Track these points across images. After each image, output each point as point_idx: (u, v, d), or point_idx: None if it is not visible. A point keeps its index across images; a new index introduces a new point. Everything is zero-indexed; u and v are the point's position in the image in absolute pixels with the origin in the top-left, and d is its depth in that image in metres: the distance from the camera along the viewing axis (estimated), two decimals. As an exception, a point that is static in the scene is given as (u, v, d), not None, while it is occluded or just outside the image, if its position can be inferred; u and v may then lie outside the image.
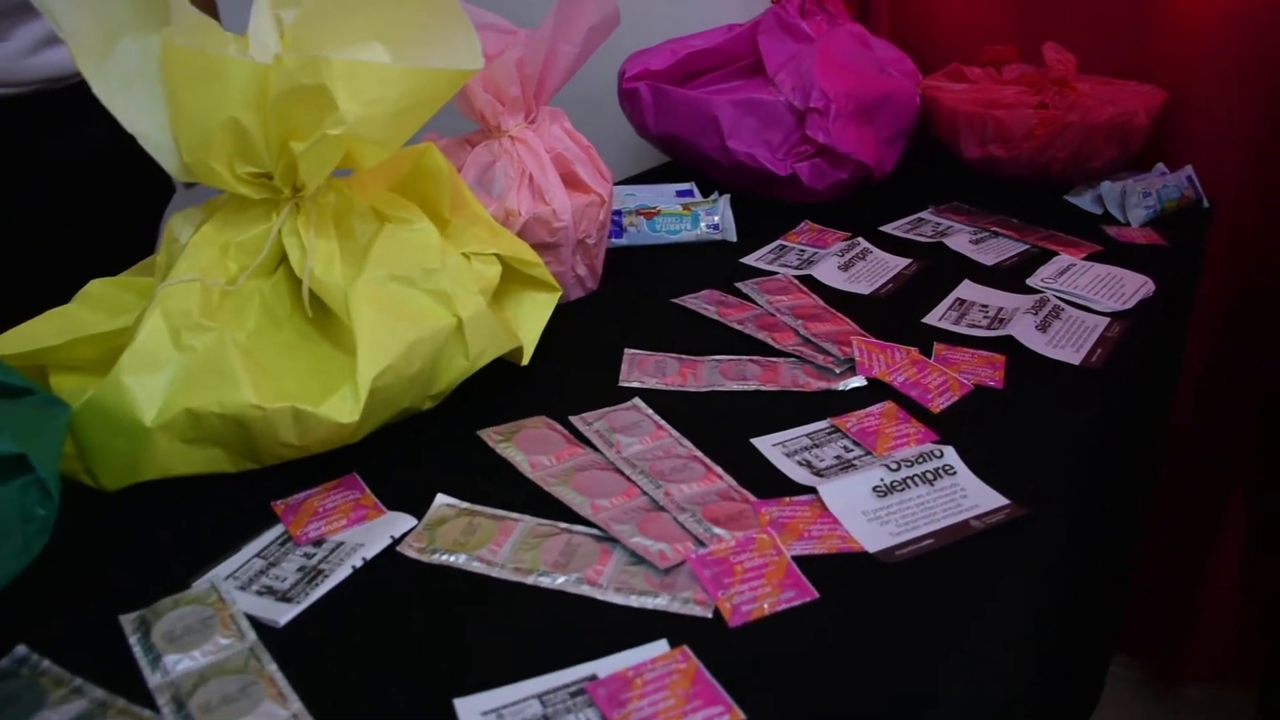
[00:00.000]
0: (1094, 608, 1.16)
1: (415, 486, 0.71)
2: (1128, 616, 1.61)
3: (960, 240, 1.12)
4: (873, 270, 1.05)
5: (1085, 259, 1.08)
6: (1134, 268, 1.06)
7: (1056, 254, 1.09)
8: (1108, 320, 0.95)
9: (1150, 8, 1.30)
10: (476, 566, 0.64)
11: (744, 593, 0.60)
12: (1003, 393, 0.83)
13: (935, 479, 0.70)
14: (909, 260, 1.08)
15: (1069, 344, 0.90)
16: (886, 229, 1.17)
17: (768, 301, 0.96)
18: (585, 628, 0.59)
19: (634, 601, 0.61)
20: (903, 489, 0.69)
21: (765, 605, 0.60)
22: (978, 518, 0.67)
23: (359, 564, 0.65)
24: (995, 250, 1.10)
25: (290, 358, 0.76)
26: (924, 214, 1.22)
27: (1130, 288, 1.01)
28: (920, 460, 0.72)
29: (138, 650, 0.58)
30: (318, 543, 0.67)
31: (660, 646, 0.57)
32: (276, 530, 0.68)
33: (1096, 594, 1.11)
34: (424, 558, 0.65)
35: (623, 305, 0.99)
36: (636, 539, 0.65)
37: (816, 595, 0.61)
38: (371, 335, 0.72)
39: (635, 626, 0.59)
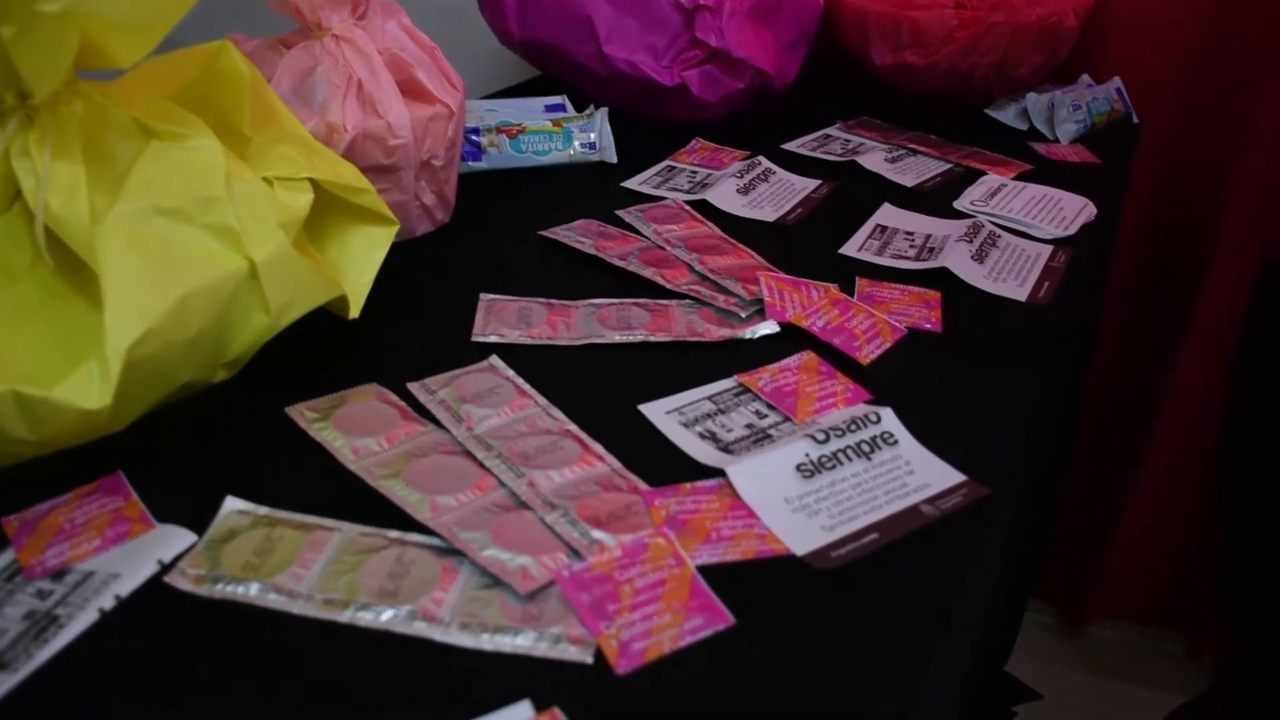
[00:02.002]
0: (1029, 567, 1.05)
1: (199, 487, 0.54)
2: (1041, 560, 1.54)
3: (875, 159, 0.97)
4: (777, 193, 0.90)
5: (1016, 179, 0.95)
6: (1068, 188, 0.93)
7: (984, 173, 0.95)
8: (1050, 248, 0.81)
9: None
10: (273, 600, 0.47)
11: (635, 624, 0.45)
12: (941, 336, 0.69)
13: (873, 451, 0.56)
14: (818, 181, 0.93)
15: (1011, 276, 0.76)
16: (790, 147, 1.02)
17: (655, 232, 0.80)
18: (420, 684, 0.43)
19: (486, 643, 0.45)
20: (833, 466, 0.55)
21: (665, 640, 0.44)
22: (929, 500, 0.53)
23: (110, 605, 0.47)
24: (915, 170, 0.96)
25: (29, 323, 0.57)
26: (831, 130, 1.07)
27: (1070, 211, 0.88)
28: (853, 427, 0.57)
29: None
30: (58, 575, 0.49)
31: (522, 711, 0.41)
32: (4, 559, 0.50)
33: (1033, 554, 1.00)
34: (202, 590, 0.48)
35: (480, 241, 0.82)
36: (489, 551, 0.48)
37: (733, 621, 0.46)
38: (126, 288, 0.53)
39: (489, 679, 0.43)
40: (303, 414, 0.59)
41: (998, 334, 0.69)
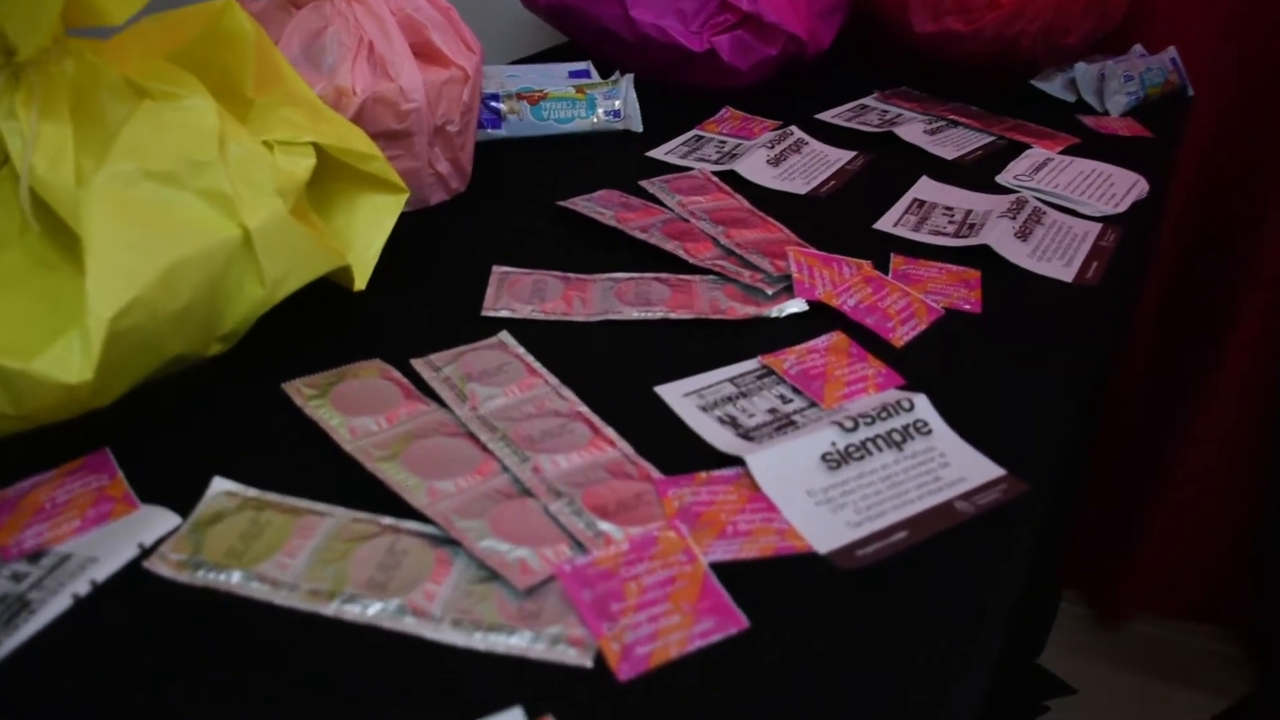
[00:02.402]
0: (1060, 560, 1.01)
1: (188, 466, 0.51)
2: (1075, 548, 1.49)
3: (913, 130, 0.93)
4: (809, 165, 0.86)
5: (1062, 153, 0.90)
6: (1118, 163, 0.88)
7: (1029, 147, 0.90)
8: (1099, 226, 0.77)
9: None
10: (256, 589, 0.44)
11: (640, 625, 0.41)
12: (981, 318, 0.65)
13: (904, 440, 0.52)
14: (853, 153, 0.89)
15: (1057, 255, 0.72)
16: (824, 117, 0.97)
17: (679, 203, 0.76)
18: (406, 684, 0.40)
19: (479, 642, 0.41)
20: (861, 456, 0.51)
21: (672, 644, 0.41)
22: (964, 496, 0.49)
23: (85, 590, 0.44)
24: (955, 142, 0.91)
25: (16, 292, 0.54)
26: (868, 100, 1.02)
27: (1121, 187, 0.83)
28: (884, 415, 0.53)
29: None
30: (35, 557, 0.46)
31: (514, 719, 0.38)
32: (-18, 537, 0.47)
33: (1059, 544, 0.95)
34: (182, 577, 0.45)
35: (496, 211, 0.78)
36: (487, 542, 0.45)
37: (746, 625, 0.42)
38: (110, 256, 0.50)
39: (480, 681, 0.40)
40: (299, 390, 0.56)
41: (1042, 316, 0.65)
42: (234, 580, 0.44)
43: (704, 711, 0.38)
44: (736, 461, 0.50)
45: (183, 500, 0.49)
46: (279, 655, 0.41)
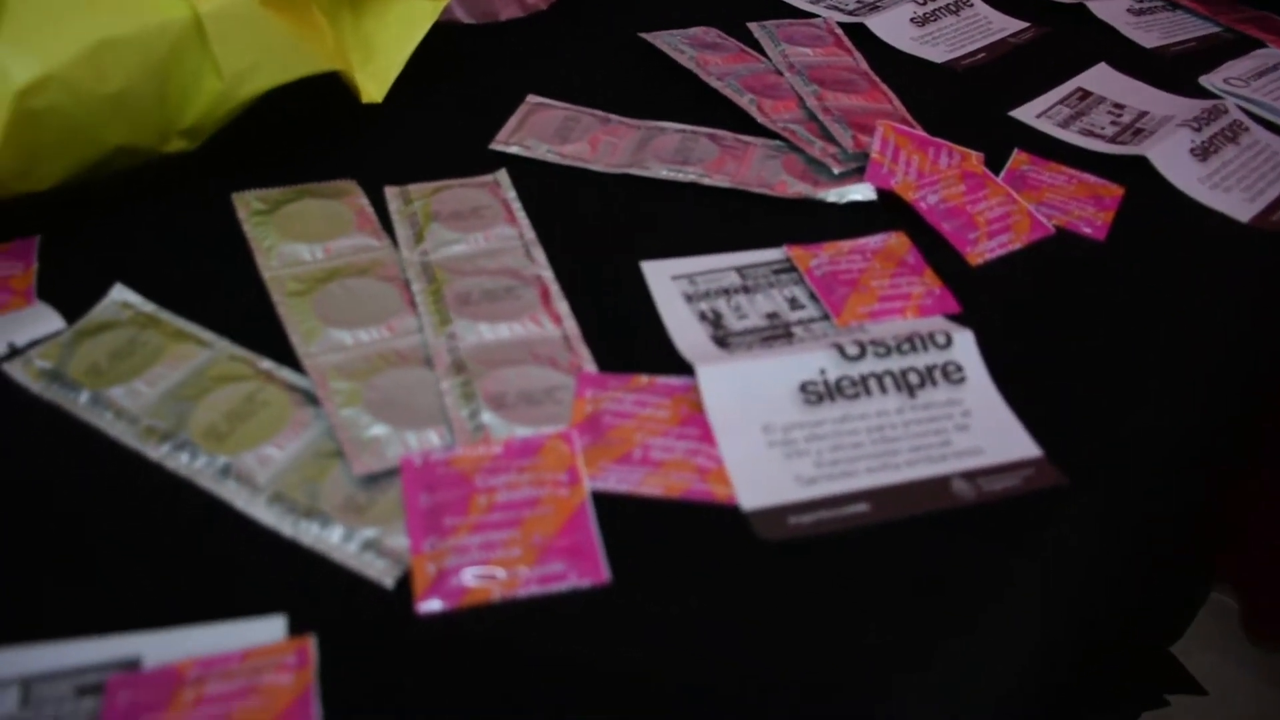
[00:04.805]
0: (1168, 563, 0.85)
1: (109, 269, 0.46)
2: (1242, 547, 1.28)
3: (1115, 7, 0.75)
4: (963, 30, 0.70)
5: (1305, 56, 0.70)
6: (1381, 80, 0.68)
7: (1261, 45, 0.71)
8: (1316, 154, 0.59)
9: None
10: (98, 417, 0.38)
11: (469, 550, 0.33)
12: (1103, 249, 0.50)
13: (922, 385, 0.40)
14: (1025, 24, 0.72)
15: (1239, 185, 0.56)
16: (1010, -22, 0.80)
17: (782, 54, 0.63)
18: (188, 556, 0.34)
19: (287, 526, 0.34)
20: (855, 394, 0.40)
21: (499, 582, 0.32)
22: (970, 474, 0.37)
23: (-67, 381, 0.40)
24: (1165, 28, 0.73)
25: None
26: (1076, -35, 0.84)
27: (1368, 107, 0.64)
28: (906, 347, 0.41)
29: None
30: (-84, 336, 0.43)
31: (269, 628, 0.31)
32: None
33: (1173, 552, 0.79)
34: (36, 387, 0.40)
35: (575, 36, 0.68)
36: (350, 411, 0.37)
37: (607, 579, 0.33)
38: (31, 24, 0.44)
39: (263, 573, 0.33)
40: (248, 204, 0.49)
41: (1190, 260, 0.50)
42: (81, 401, 0.39)
43: (497, 677, 0.30)
44: (691, 371, 0.40)
45: (88, 304, 0.44)
46: (84, 490, 0.36)
